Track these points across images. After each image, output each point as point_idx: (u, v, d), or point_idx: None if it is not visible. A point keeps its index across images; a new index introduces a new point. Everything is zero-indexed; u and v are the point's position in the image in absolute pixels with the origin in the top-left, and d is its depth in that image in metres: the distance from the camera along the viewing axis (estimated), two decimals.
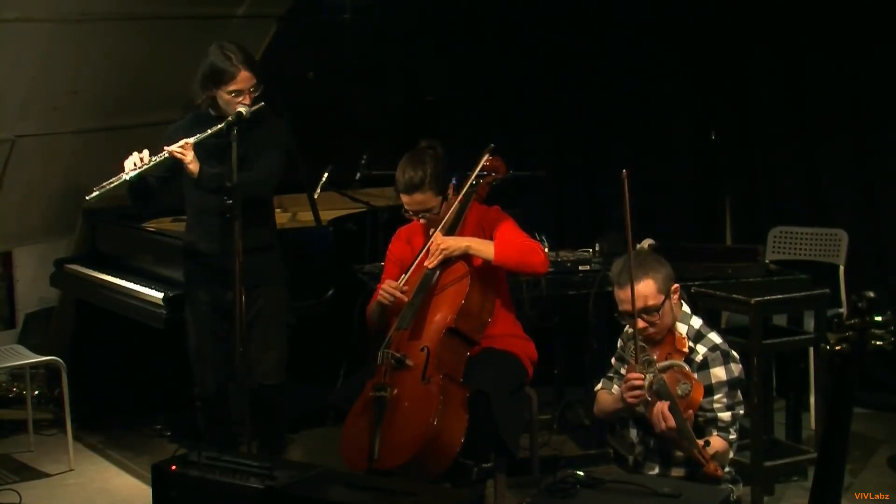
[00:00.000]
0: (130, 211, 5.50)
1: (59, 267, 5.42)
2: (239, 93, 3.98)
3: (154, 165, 3.89)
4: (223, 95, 3.99)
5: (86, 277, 5.20)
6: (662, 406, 3.32)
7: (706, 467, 3.29)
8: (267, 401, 4.23)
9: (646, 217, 5.84)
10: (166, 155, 3.90)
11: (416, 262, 3.85)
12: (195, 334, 4.18)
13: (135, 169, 3.86)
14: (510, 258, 3.80)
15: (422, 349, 3.70)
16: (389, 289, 3.79)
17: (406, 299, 3.77)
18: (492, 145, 3.93)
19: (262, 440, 4.28)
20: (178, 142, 3.91)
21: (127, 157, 3.93)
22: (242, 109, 3.89)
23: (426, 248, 3.85)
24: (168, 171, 4.03)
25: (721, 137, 5.89)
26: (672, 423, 3.30)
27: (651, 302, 3.43)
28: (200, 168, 3.92)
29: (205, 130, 3.90)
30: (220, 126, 3.89)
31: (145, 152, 3.90)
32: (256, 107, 3.98)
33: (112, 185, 3.86)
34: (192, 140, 3.91)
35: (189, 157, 3.90)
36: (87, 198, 3.93)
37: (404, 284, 3.80)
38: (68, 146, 5.51)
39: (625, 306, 3.45)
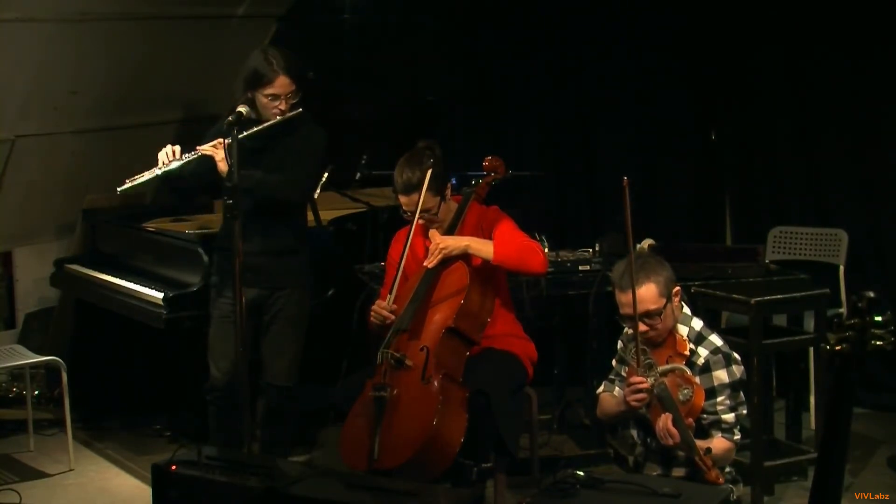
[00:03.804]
0: (130, 211, 5.54)
1: (59, 267, 5.41)
2: (275, 97, 4.03)
3: (186, 163, 3.97)
4: (260, 99, 4.05)
5: (86, 277, 5.19)
6: (666, 421, 3.31)
7: (708, 474, 3.29)
8: (275, 401, 4.25)
9: (646, 217, 5.85)
10: (198, 155, 3.99)
11: (400, 274, 3.84)
12: (213, 327, 4.22)
13: (167, 164, 3.95)
14: (509, 258, 3.80)
15: (421, 349, 3.70)
16: (379, 310, 3.81)
17: (393, 318, 3.77)
18: (431, 160, 3.87)
19: (267, 441, 4.29)
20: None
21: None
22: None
23: (403, 259, 3.86)
24: (200, 166, 4.08)
25: (721, 137, 5.89)
26: (677, 438, 3.30)
27: (652, 306, 3.43)
28: (230, 169, 3.94)
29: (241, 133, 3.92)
30: (256, 129, 3.95)
31: (177, 147, 3.98)
32: (292, 113, 4.04)
33: (144, 180, 3.95)
34: (225, 140, 3.97)
35: (220, 155, 3.96)
36: (118, 189, 3.98)
37: (393, 302, 3.81)
38: (68, 146, 5.51)
39: (626, 310, 3.45)
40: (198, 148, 4.01)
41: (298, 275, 4.25)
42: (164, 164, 3.96)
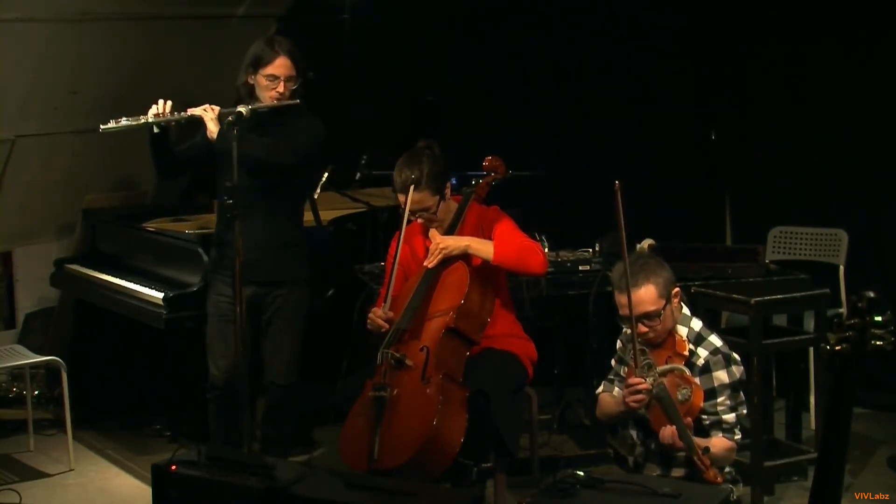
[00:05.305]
0: (130, 211, 5.54)
1: (59, 267, 5.41)
2: (274, 77, 4.04)
3: (174, 120, 3.98)
4: (260, 80, 4.06)
5: (86, 277, 5.19)
6: (674, 435, 3.31)
7: (706, 474, 3.29)
8: (276, 400, 4.25)
9: (646, 217, 5.85)
10: (188, 115, 4.00)
11: (394, 280, 3.84)
12: (211, 326, 4.22)
13: (157, 117, 3.95)
14: (509, 258, 3.80)
15: (421, 349, 3.70)
16: (374, 319, 3.81)
17: (389, 327, 3.77)
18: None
19: (267, 440, 4.30)
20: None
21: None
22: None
23: (396, 264, 3.85)
24: (187, 130, 4.08)
25: (721, 137, 5.89)
26: (681, 444, 3.30)
27: (651, 307, 3.42)
28: (220, 130, 3.96)
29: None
30: (252, 107, 3.94)
31: (169, 103, 3.98)
32: (289, 102, 4.04)
33: (128, 125, 3.95)
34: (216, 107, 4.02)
35: (210, 115, 3.98)
36: (101, 127, 3.98)
37: (389, 309, 3.81)
38: (68, 146, 5.51)
39: (625, 311, 3.44)
40: (189, 110, 4.01)
41: (297, 269, 4.24)
42: (153, 115, 3.96)
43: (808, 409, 4.91)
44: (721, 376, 3.44)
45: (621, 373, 3.59)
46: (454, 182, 4.04)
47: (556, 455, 4.79)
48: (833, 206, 5.56)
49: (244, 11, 5.78)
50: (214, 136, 3.97)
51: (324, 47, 5.99)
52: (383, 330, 3.77)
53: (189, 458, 3.26)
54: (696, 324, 3.54)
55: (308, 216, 5.10)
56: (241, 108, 3.90)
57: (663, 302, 3.44)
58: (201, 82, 5.68)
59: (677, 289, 3.52)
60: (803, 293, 4.49)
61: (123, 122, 3.94)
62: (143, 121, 3.96)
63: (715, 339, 3.50)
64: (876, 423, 5.16)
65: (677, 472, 3.44)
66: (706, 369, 3.45)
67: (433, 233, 3.91)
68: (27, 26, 4.90)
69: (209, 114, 3.99)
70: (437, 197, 3.86)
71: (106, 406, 5.45)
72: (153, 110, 3.97)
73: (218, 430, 4.25)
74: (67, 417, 4.83)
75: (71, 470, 4.82)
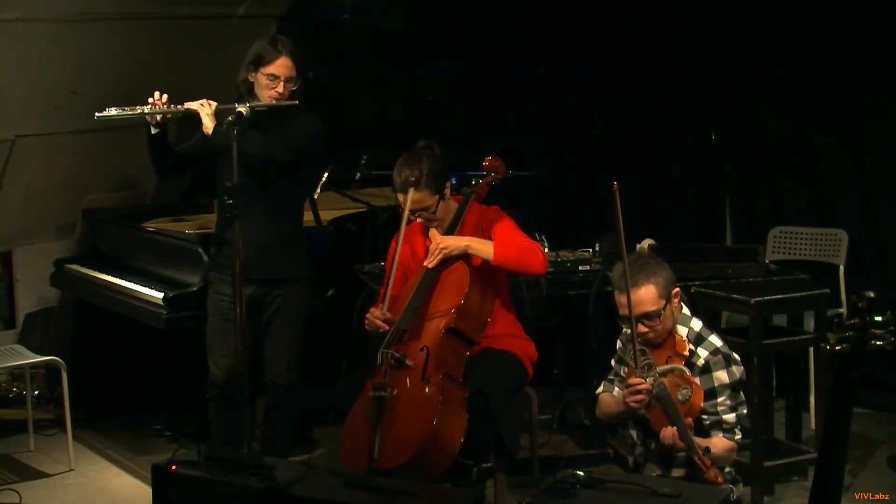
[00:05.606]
0: (130, 211, 5.54)
1: (59, 267, 5.41)
2: (275, 77, 4.05)
3: (169, 112, 3.99)
4: (261, 78, 4.06)
5: (86, 277, 5.19)
6: (675, 437, 3.31)
7: (706, 474, 3.29)
8: (276, 399, 4.25)
9: (646, 217, 5.85)
10: (183, 108, 4.02)
11: (392, 282, 3.84)
12: (211, 325, 4.23)
13: (153, 107, 3.97)
14: (509, 258, 3.80)
15: (421, 349, 3.70)
16: (372, 319, 3.81)
17: (388, 328, 3.76)
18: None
19: (267, 440, 4.29)
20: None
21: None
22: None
23: (394, 267, 3.85)
24: (185, 128, 4.08)
25: (721, 137, 5.89)
26: (681, 445, 3.31)
27: (651, 308, 3.42)
28: (216, 126, 3.98)
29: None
30: (250, 105, 3.94)
31: (165, 95, 4.00)
32: (288, 102, 4.05)
33: (123, 114, 3.97)
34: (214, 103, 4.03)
35: (206, 111, 3.99)
36: (97, 115, 3.99)
37: (387, 309, 3.81)
38: (68, 146, 5.51)
39: (625, 311, 3.44)
40: (185, 104, 4.02)
41: (297, 268, 4.24)
42: (151, 106, 3.98)
43: (808, 409, 4.91)
44: (721, 376, 3.44)
45: (621, 373, 3.59)
46: (454, 182, 4.04)
47: (556, 455, 4.80)
48: (833, 206, 5.56)
49: (244, 11, 5.78)
50: (210, 131, 3.99)
51: (324, 47, 5.99)
52: (381, 330, 3.77)
53: (189, 458, 3.26)
54: (696, 324, 3.54)
55: (308, 216, 5.10)
56: (241, 108, 3.90)
57: (663, 302, 3.44)
58: (201, 82, 5.67)
59: (677, 289, 3.52)
60: (803, 293, 4.49)
61: (118, 111, 3.95)
62: (139, 111, 3.98)
63: (715, 339, 3.50)
64: (876, 423, 5.15)
65: (677, 472, 3.44)
66: (706, 369, 3.45)
67: (433, 233, 3.91)
68: (27, 26, 4.91)
69: (206, 108, 4.00)
70: (437, 197, 3.86)
71: (106, 406, 5.45)
72: (149, 100, 3.99)
73: (218, 430, 4.26)
74: (67, 417, 4.82)
75: (71, 470, 4.82)
